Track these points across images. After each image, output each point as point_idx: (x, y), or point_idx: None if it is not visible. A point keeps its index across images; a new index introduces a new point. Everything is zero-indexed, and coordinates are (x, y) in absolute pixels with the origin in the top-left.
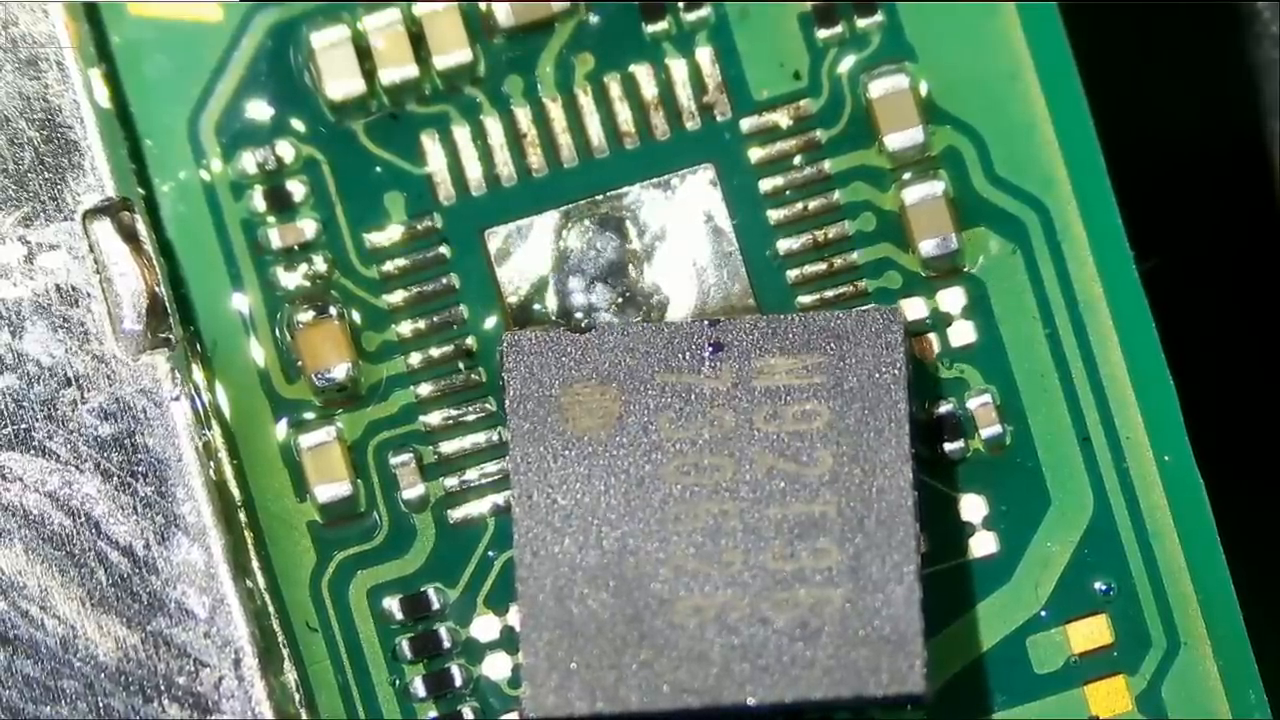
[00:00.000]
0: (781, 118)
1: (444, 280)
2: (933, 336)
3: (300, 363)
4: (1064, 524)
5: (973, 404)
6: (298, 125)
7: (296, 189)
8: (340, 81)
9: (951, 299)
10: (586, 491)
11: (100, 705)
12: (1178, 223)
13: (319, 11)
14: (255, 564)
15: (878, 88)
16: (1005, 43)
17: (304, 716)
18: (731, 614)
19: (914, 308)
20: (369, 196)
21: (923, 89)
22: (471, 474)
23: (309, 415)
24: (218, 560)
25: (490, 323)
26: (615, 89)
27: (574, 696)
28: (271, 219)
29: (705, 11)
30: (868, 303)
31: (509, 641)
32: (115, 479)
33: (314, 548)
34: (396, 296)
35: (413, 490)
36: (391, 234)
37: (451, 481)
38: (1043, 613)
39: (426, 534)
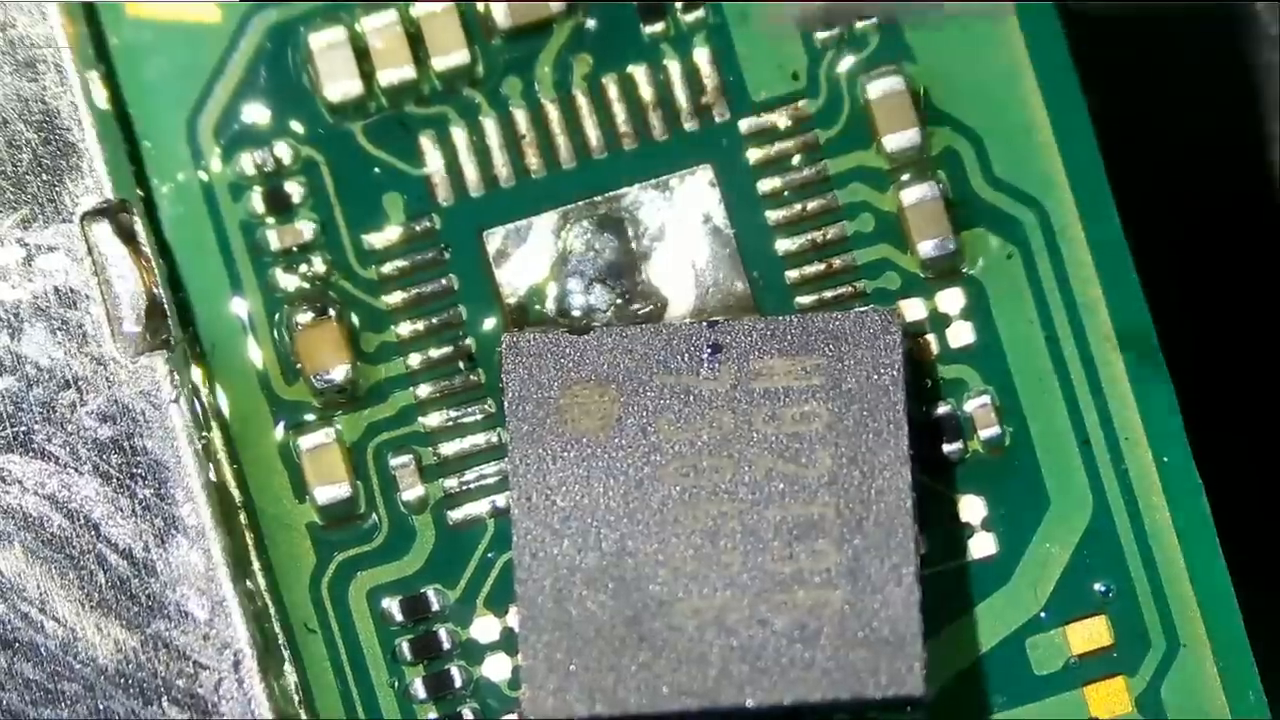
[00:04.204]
0: (780, 119)
1: (443, 281)
2: (931, 337)
3: (299, 364)
4: (1063, 525)
5: (971, 405)
6: (296, 126)
7: (295, 190)
8: (338, 83)
9: (950, 300)
10: (585, 493)
11: (100, 707)
12: (1178, 223)
13: (317, 13)
14: (255, 566)
15: (876, 89)
16: (1004, 44)
17: (304, 718)
18: (730, 616)
19: (913, 309)
20: (367, 198)
21: (921, 90)
22: (471, 475)
23: (308, 417)
24: (217, 562)
25: (489, 324)
26: (613, 90)
27: (573, 698)
28: (270, 220)
29: (703, 12)
30: (866, 304)
31: (509, 643)
32: (114, 481)
33: (314, 549)
34: (395, 298)
35: (412, 492)
36: (390, 235)
37: (451, 483)
38: (1042, 614)
39: (426, 535)
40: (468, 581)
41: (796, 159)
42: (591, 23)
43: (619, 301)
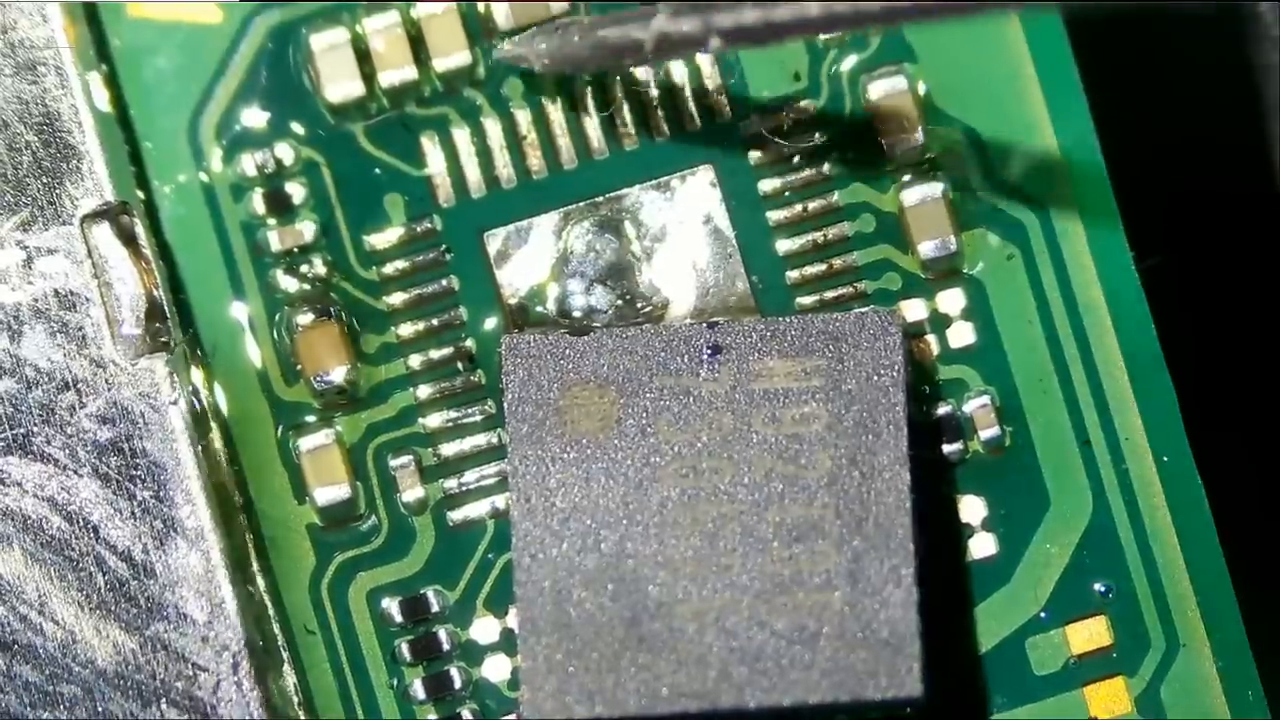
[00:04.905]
0: (782, 119)
1: (443, 282)
2: (932, 338)
3: (299, 365)
4: (1063, 525)
5: (972, 406)
6: (297, 128)
7: (296, 191)
8: (339, 84)
9: (951, 300)
10: (585, 494)
11: (99, 710)
12: (1178, 223)
13: (318, 14)
14: (254, 567)
15: (877, 89)
16: (1005, 43)
17: (303, 719)
18: (730, 617)
19: (913, 309)
20: (368, 199)
21: (921, 90)
22: (471, 476)
23: (309, 418)
24: (216, 564)
25: (490, 324)
26: (615, 90)
27: (572, 700)
28: (271, 221)
29: None
30: (867, 304)
31: (508, 644)
32: (114, 483)
33: (313, 550)
34: (396, 299)
35: (412, 493)
36: (391, 236)
37: (451, 484)
38: (1042, 614)
39: (426, 536)
40: (467, 583)
41: (797, 159)
42: None
43: (620, 302)
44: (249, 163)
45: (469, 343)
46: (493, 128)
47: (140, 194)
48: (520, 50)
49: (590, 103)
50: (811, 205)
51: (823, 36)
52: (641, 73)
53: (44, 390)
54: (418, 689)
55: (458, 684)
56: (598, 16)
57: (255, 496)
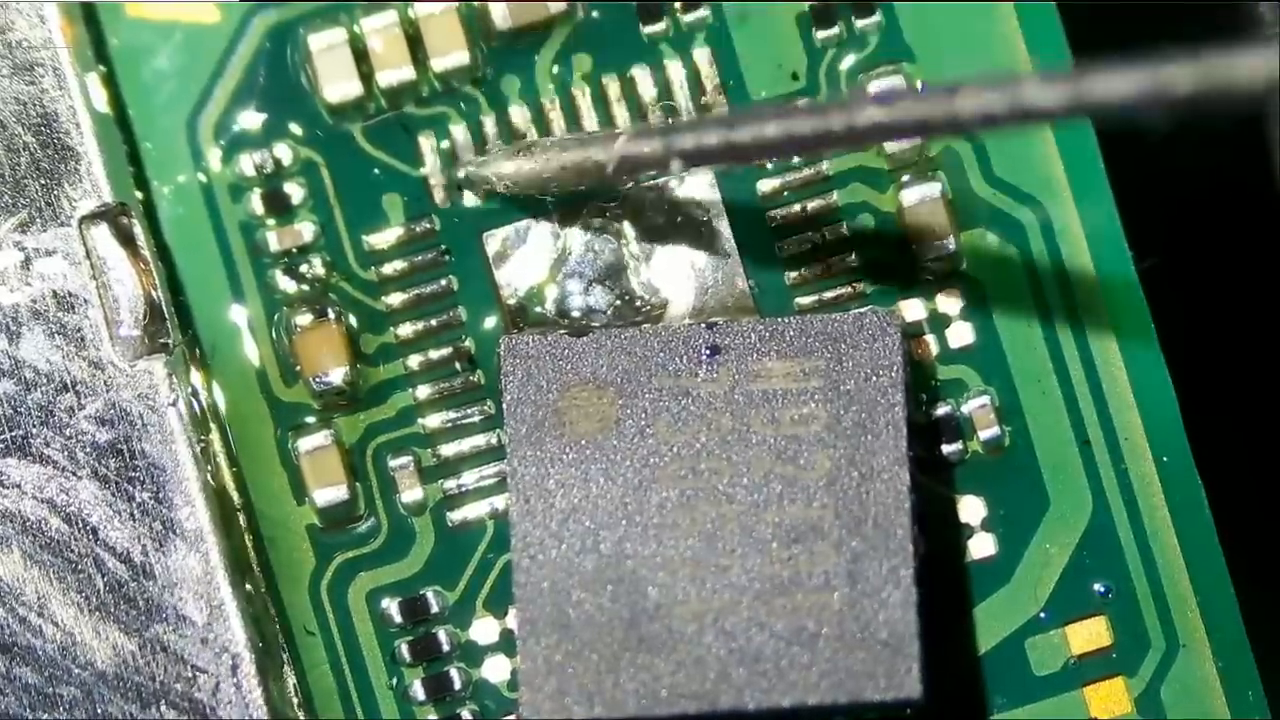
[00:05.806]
0: None
1: (442, 282)
2: (931, 338)
3: (298, 366)
4: (1063, 525)
5: (971, 406)
6: (295, 128)
7: (294, 191)
8: (337, 84)
9: (950, 301)
10: (584, 495)
11: (98, 711)
12: (1178, 223)
13: (316, 14)
14: (254, 569)
15: (876, 89)
16: (1004, 43)
17: None
18: (729, 618)
19: (912, 309)
20: (367, 199)
21: (920, 89)
22: (470, 477)
23: (308, 419)
24: (215, 565)
25: (489, 325)
26: (613, 90)
27: (571, 701)
28: (270, 222)
29: (703, 12)
30: (866, 304)
31: (508, 644)
32: (112, 485)
33: (313, 551)
34: (395, 299)
35: (411, 493)
36: (389, 236)
37: (450, 484)
38: (1042, 614)
39: (425, 537)
40: (467, 583)
41: (796, 159)
42: (591, 23)
43: (618, 303)
44: (247, 163)
45: (468, 343)
46: (491, 128)
47: (139, 195)
48: (483, 172)
49: (589, 102)
50: (810, 205)
51: (819, 35)
52: (641, 72)
53: (42, 392)
54: (417, 690)
55: (457, 685)
56: (560, 137)
57: (254, 497)
